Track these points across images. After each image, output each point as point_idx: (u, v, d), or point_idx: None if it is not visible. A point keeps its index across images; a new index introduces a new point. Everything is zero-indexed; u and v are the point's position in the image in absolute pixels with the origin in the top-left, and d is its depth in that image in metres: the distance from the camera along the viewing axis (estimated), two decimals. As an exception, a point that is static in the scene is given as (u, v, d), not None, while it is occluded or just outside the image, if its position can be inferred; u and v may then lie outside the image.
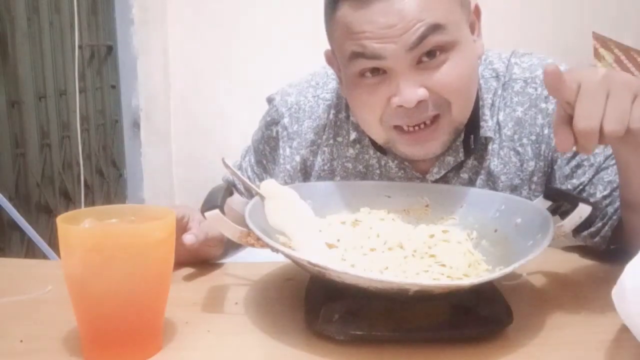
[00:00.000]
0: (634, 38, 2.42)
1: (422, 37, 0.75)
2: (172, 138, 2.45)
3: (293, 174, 0.98)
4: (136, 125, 2.40)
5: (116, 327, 0.58)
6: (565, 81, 0.62)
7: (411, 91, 0.77)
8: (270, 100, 1.02)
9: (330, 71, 0.98)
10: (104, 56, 2.24)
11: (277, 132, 0.99)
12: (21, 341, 0.63)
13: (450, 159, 0.90)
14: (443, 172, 0.90)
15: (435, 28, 0.75)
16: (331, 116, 0.96)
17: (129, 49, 2.32)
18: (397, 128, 0.82)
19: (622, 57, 2.35)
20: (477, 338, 0.62)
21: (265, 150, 1.02)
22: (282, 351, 0.62)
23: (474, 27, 0.84)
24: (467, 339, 0.62)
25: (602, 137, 0.62)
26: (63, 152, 1.88)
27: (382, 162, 0.93)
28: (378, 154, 0.93)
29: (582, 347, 0.62)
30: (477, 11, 0.84)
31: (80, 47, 1.95)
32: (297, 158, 0.97)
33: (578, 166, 0.86)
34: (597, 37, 2.38)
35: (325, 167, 0.96)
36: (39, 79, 1.73)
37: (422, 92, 0.77)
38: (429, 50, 0.76)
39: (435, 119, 0.81)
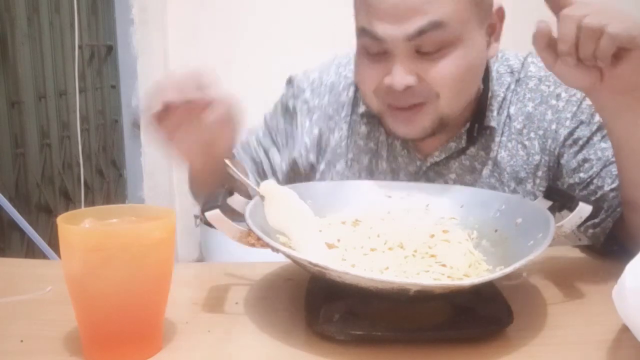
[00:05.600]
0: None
1: (421, 32, 0.77)
2: (172, 138, 2.45)
3: (310, 147, 0.99)
4: (136, 125, 2.40)
5: (116, 327, 0.58)
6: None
7: (401, 76, 0.80)
8: (290, 80, 1.04)
9: (353, 53, 0.99)
10: (104, 56, 2.24)
11: (294, 106, 1.01)
12: (21, 341, 0.63)
13: (452, 145, 0.92)
14: (444, 156, 0.93)
15: (436, 25, 0.76)
16: (350, 93, 0.99)
17: (129, 49, 2.33)
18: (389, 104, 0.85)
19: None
20: (477, 338, 0.62)
21: (279, 123, 1.03)
22: (282, 351, 0.62)
23: (493, 29, 0.85)
24: (467, 339, 0.62)
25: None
26: (63, 152, 1.88)
27: (389, 140, 0.96)
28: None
29: (582, 347, 0.62)
30: (499, 13, 0.85)
31: (80, 47, 1.95)
32: (316, 131, 0.99)
33: (585, 160, 0.88)
34: (597, 37, 2.37)
35: (342, 144, 0.98)
36: (39, 79, 1.73)
37: (410, 79, 0.80)
38: (431, 42, 0.78)
39: (420, 104, 0.83)
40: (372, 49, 0.82)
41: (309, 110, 1.00)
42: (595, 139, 0.88)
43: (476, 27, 0.81)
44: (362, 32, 0.81)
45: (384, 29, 0.78)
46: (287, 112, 1.02)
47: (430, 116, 0.84)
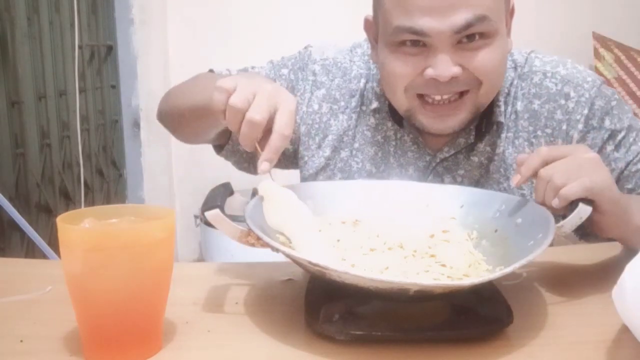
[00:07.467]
0: (635, 38, 2.42)
1: (468, 25, 0.79)
2: (172, 138, 2.45)
3: (304, 118, 0.99)
4: (136, 125, 2.40)
5: (116, 327, 0.58)
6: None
7: (446, 67, 0.81)
8: (306, 47, 1.03)
9: (368, 46, 1.00)
10: (104, 56, 2.24)
11: (303, 75, 1.00)
12: (21, 341, 0.63)
13: (461, 140, 0.93)
14: (453, 152, 0.94)
15: (481, 19, 0.80)
16: (361, 84, 0.99)
17: (129, 49, 2.33)
18: (421, 98, 0.86)
19: (622, 57, 2.35)
20: (477, 338, 0.62)
21: (290, 75, 1.01)
22: (282, 351, 0.62)
23: (506, 25, 0.88)
24: (467, 339, 0.62)
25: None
26: (63, 152, 1.88)
27: (398, 135, 0.97)
28: (395, 126, 0.96)
29: (582, 347, 0.62)
30: (512, 12, 0.89)
31: (80, 47, 1.95)
32: (316, 106, 0.99)
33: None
34: (597, 37, 2.38)
35: (349, 133, 0.98)
36: (39, 79, 1.73)
37: (456, 70, 0.82)
38: (470, 34, 0.81)
39: (461, 94, 0.85)
40: (408, 45, 0.82)
41: (314, 84, 0.99)
42: (609, 147, 0.90)
43: (504, 20, 0.85)
44: (399, 30, 0.81)
45: (429, 24, 0.79)
46: (298, 72, 1.01)
47: (469, 107, 0.86)
